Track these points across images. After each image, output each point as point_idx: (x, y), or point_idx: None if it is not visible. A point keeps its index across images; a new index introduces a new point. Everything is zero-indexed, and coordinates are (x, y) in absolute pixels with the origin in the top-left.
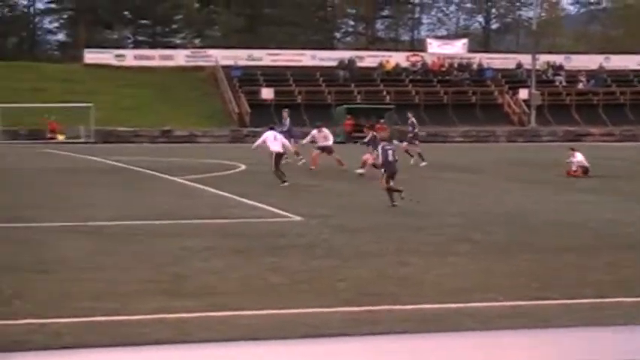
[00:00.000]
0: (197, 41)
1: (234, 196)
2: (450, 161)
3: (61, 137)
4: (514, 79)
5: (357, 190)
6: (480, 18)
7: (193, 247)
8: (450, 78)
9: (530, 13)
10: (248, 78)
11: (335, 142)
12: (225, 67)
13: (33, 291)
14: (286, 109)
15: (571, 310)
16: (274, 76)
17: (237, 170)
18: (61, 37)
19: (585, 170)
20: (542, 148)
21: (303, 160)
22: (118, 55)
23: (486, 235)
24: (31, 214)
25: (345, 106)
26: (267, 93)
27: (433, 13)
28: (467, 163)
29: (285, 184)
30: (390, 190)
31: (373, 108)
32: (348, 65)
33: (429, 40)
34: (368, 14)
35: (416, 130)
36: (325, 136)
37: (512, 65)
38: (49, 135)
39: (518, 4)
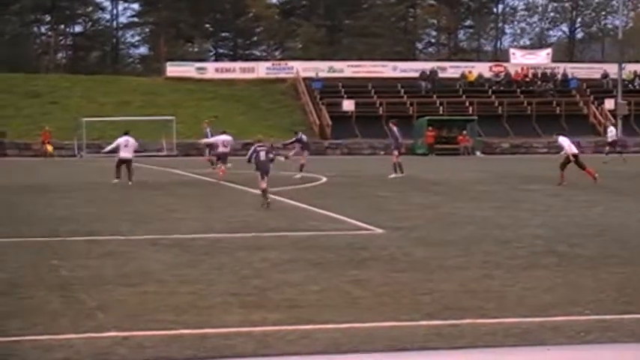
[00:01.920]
0: (278, 53)
1: (315, 209)
2: (535, 173)
3: (50, 149)
4: (599, 89)
5: (440, 202)
6: (565, 27)
7: (274, 259)
8: (534, 88)
9: (617, 22)
10: (329, 90)
11: (419, 154)
12: (306, 79)
13: (116, 304)
14: (206, 120)
15: None
16: (355, 87)
17: (318, 183)
18: (143, 50)
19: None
20: (628, 159)
21: (229, 166)
22: (199, 68)
23: (573, 248)
24: (113, 227)
25: (427, 117)
26: (348, 105)
27: (516, 22)
28: (551, 174)
29: (116, 180)
30: (264, 192)
31: (455, 119)
32: (430, 76)
33: (512, 50)
34: (450, 25)
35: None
36: (224, 143)
37: (597, 75)
38: (42, 147)
39: (603, 12)
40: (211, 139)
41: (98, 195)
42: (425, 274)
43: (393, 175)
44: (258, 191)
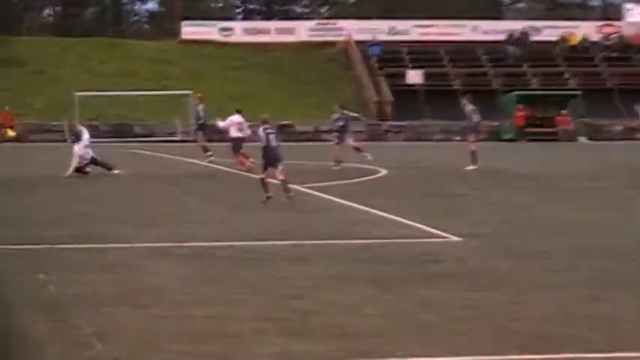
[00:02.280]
0: (324, 10)
1: (373, 210)
2: None
3: (10, 133)
4: None
5: (532, 203)
6: None
7: (320, 274)
8: None
9: None
10: (390, 57)
11: (505, 140)
12: (361, 43)
13: (118, 329)
14: (198, 95)
15: None
16: (424, 54)
17: (376, 176)
18: (151, 6)
19: None
20: None
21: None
22: (223, 29)
23: None
24: (113, 232)
25: (516, 92)
26: (414, 76)
27: None
28: None
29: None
30: (264, 183)
31: (553, 95)
32: (521, 40)
33: (627, 5)
34: None
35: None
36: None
37: None
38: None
39: None
40: (226, 123)
41: (95, 191)
42: (513, 294)
43: (471, 167)
44: (256, 176)
